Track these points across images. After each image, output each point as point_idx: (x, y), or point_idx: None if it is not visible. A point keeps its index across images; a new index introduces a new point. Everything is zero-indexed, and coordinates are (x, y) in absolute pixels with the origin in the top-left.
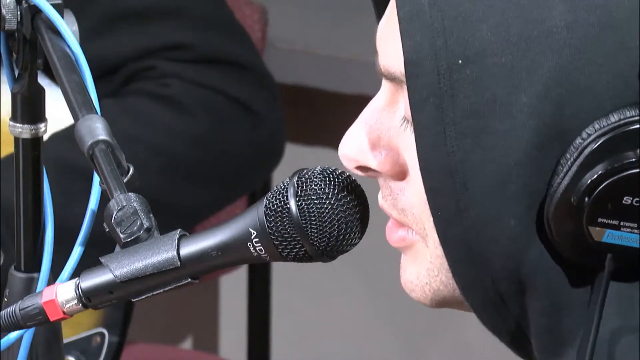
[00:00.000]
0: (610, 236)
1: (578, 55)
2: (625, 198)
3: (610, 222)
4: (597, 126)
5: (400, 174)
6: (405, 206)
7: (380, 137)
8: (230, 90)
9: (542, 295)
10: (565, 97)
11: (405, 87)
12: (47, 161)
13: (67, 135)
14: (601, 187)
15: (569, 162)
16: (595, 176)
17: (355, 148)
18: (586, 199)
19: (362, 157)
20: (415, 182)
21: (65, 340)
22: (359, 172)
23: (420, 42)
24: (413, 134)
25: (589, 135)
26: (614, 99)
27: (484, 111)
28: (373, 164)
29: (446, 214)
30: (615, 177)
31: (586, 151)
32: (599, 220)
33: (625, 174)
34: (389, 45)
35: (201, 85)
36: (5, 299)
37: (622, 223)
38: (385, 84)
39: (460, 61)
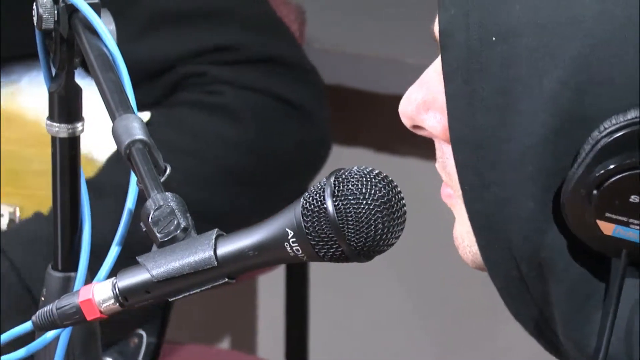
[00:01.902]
0: (619, 231)
1: (601, 46)
2: (632, 196)
3: (618, 217)
4: (614, 121)
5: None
6: (452, 171)
7: (436, 99)
8: (281, 91)
9: (562, 280)
10: (585, 85)
11: None
12: (104, 186)
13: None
14: (608, 182)
15: (584, 153)
16: (604, 171)
17: (412, 107)
18: (594, 192)
19: (417, 117)
20: None
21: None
22: (414, 131)
23: (454, 15)
24: None
25: (605, 128)
26: (634, 95)
27: (510, 90)
28: (427, 124)
29: (472, 188)
30: (623, 175)
31: (600, 144)
32: (607, 215)
33: (633, 172)
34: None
35: (251, 88)
36: (43, 298)
37: (630, 220)
38: None
39: (493, 38)
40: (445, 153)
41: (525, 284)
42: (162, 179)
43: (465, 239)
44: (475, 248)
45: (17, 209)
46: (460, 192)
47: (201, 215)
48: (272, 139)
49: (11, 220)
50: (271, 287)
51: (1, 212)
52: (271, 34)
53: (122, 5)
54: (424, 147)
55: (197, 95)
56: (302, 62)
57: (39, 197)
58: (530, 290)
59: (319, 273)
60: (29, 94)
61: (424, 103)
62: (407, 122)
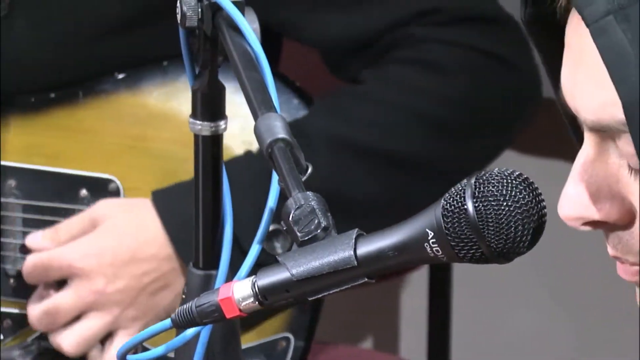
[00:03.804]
0: None
1: None
2: None
3: None
4: None
5: (629, 219)
6: None
7: (599, 189)
8: (486, 46)
9: None
10: None
11: (617, 133)
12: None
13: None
14: None
15: None
16: None
17: (577, 207)
18: None
19: (586, 214)
20: None
21: (249, 344)
22: (586, 228)
23: (635, 83)
24: (634, 178)
25: None
26: None
27: None
28: (599, 216)
29: None
30: None
31: None
32: None
33: None
34: (588, 97)
35: (458, 44)
36: (184, 296)
37: None
38: (590, 136)
39: None
40: (623, 238)
41: None
42: (304, 178)
43: None
44: None
45: None
46: None
47: (411, 168)
48: (480, 92)
49: None
50: (414, 287)
51: None
52: None
53: None
54: (566, 150)
55: (405, 52)
56: (503, 18)
57: None
58: None
59: (462, 274)
60: (186, 93)
61: (589, 197)
62: (575, 223)
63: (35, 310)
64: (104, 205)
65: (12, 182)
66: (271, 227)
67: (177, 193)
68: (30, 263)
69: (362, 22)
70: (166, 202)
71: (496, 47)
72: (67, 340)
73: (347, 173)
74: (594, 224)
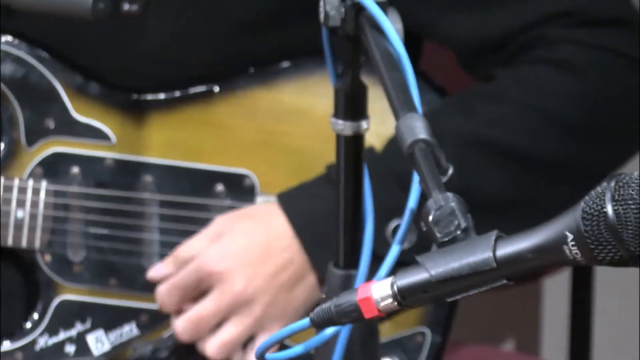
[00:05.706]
0: None
1: None
2: None
3: None
4: None
5: None
6: None
7: None
8: (619, 47)
9: None
10: None
11: None
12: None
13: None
14: None
15: None
16: None
17: None
18: None
19: None
20: None
21: (386, 339)
22: None
23: None
24: None
25: None
26: None
27: None
28: None
29: None
30: None
31: None
32: None
33: None
34: None
35: (590, 45)
36: (324, 295)
37: None
38: None
39: None
40: None
41: None
42: (445, 179)
43: None
44: None
45: None
46: None
47: (540, 167)
48: (611, 93)
49: None
50: (556, 289)
51: None
52: None
53: None
54: None
55: (538, 52)
56: (635, 20)
57: None
58: None
59: (605, 276)
60: (319, 89)
61: None
62: None
63: (180, 322)
64: (223, 218)
65: (149, 178)
66: (393, 224)
67: (300, 192)
68: (163, 290)
69: (497, 23)
70: (289, 200)
71: (628, 48)
72: (211, 346)
73: (472, 168)
74: None
